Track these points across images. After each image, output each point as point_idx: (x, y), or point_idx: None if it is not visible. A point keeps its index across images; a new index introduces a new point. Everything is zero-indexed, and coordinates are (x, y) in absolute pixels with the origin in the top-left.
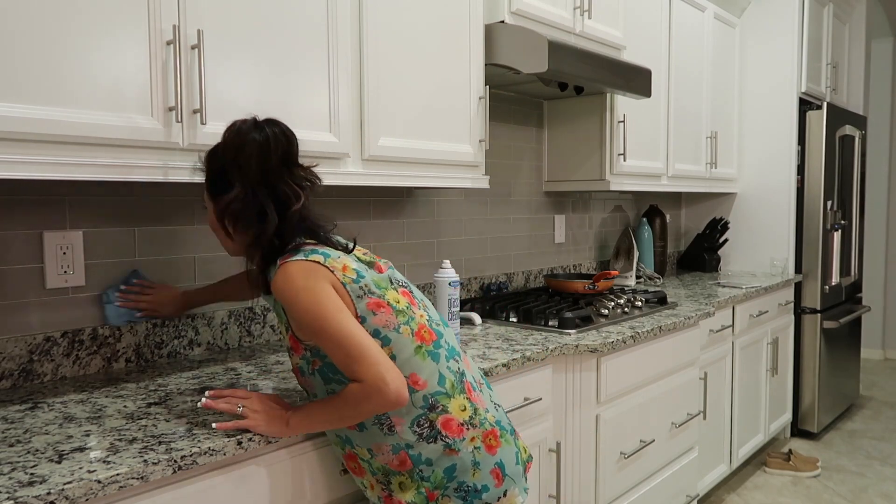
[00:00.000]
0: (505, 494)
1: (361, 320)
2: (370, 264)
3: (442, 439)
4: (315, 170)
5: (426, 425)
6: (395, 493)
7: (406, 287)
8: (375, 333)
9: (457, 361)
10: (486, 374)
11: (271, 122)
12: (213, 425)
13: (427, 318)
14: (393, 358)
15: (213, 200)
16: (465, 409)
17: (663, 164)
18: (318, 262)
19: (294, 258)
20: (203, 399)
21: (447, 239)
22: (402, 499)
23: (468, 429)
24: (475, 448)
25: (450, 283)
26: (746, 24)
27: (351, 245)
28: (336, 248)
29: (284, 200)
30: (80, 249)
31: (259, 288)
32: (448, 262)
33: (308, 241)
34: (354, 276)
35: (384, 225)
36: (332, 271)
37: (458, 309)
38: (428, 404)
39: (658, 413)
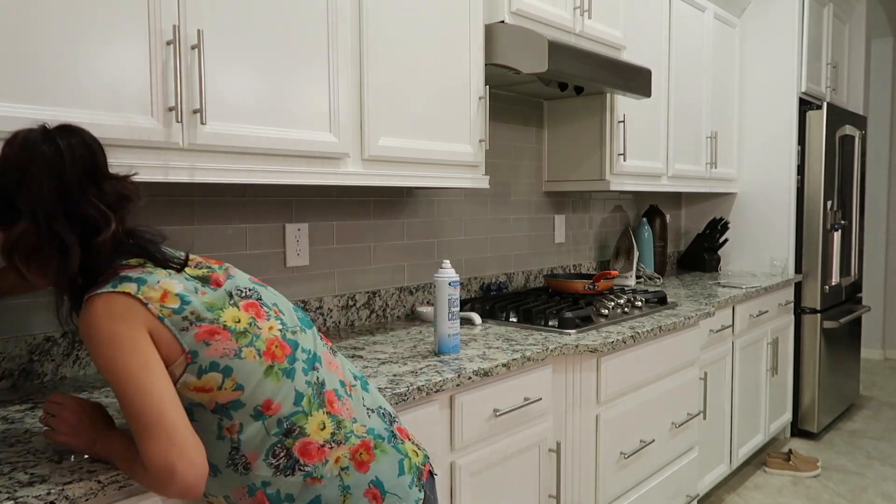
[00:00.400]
0: None
1: (193, 356)
2: (204, 279)
3: (301, 469)
4: (315, 170)
5: (282, 455)
6: None
7: (251, 297)
8: (213, 366)
9: (316, 370)
10: (486, 374)
11: (66, 130)
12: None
13: (280, 327)
14: (240, 387)
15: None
16: (324, 428)
17: (663, 164)
18: (130, 294)
19: (101, 290)
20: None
21: (447, 239)
22: None
23: (331, 447)
24: (342, 469)
25: (450, 283)
26: (746, 24)
27: (182, 258)
28: (164, 267)
29: (93, 227)
30: None
31: (74, 325)
32: (448, 262)
33: (127, 262)
34: (177, 306)
35: (384, 225)
36: (147, 304)
37: (458, 309)
38: (283, 429)
39: (658, 413)
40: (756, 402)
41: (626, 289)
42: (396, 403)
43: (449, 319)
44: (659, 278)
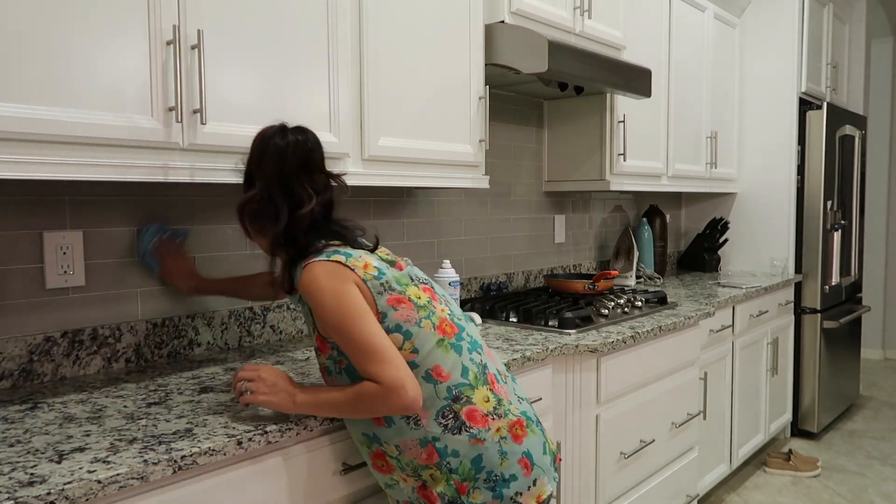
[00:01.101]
0: (535, 483)
1: (382, 316)
2: (391, 263)
3: (467, 430)
4: None
5: (451, 416)
6: (429, 484)
7: (427, 283)
8: (397, 328)
9: (479, 354)
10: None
11: (298, 130)
12: (239, 400)
13: (449, 312)
14: (416, 351)
15: (239, 200)
16: (488, 400)
17: (663, 164)
18: (340, 262)
19: (317, 259)
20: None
21: (447, 239)
22: (434, 490)
23: (493, 419)
24: (501, 438)
25: (450, 283)
26: (746, 24)
27: (373, 246)
28: (359, 249)
29: (297, 202)
30: (80, 249)
31: (283, 287)
32: (448, 262)
33: (332, 242)
34: (376, 273)
35: (384, 225)
36: (354, 270)
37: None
38: (452, 395)
39: (658, 413)
40: (756, 402)
41: (626, 289)
42: None
43: None
44: (659, 278)
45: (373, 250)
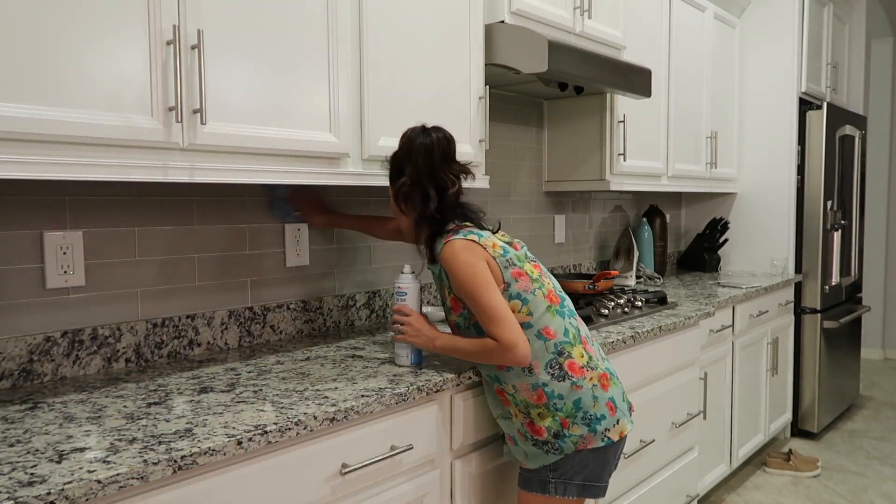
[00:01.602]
0: (618, 422)
1: (507, 285)
2: (509, 243)
3: (568, 378)
4: (315, 170)
5: (556, 367)
6: (536, 421)
7: (536, 261)
8: (518, 296)
9: (574, 319)
10: None
11: (436, 129)
12: (392, 337)
13: (552, 285)
14: (531, 314)
15: (392, 187)
16: (583, 356)
17: (663, 164)
18: (475, 241)
19: (456, 237)
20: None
21: None
22: (541, 425)
23: (587, 371)
24: (593, 385)
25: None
26: (746, 24)
27: (496, 229)
28: (486, 230)
29: (443, 187)
30: (80, 249)
31: (426, 258)
32: (408, 266)
33: (465, 224)
34: (501, 252)
35: None
36: (486, 248)
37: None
38: (557, 350)
39: (658, 413)
40: (756, 402)
41: (626, 289)
42: (396, 403)
43: None
44: (659, 278)
45: (494, 232)
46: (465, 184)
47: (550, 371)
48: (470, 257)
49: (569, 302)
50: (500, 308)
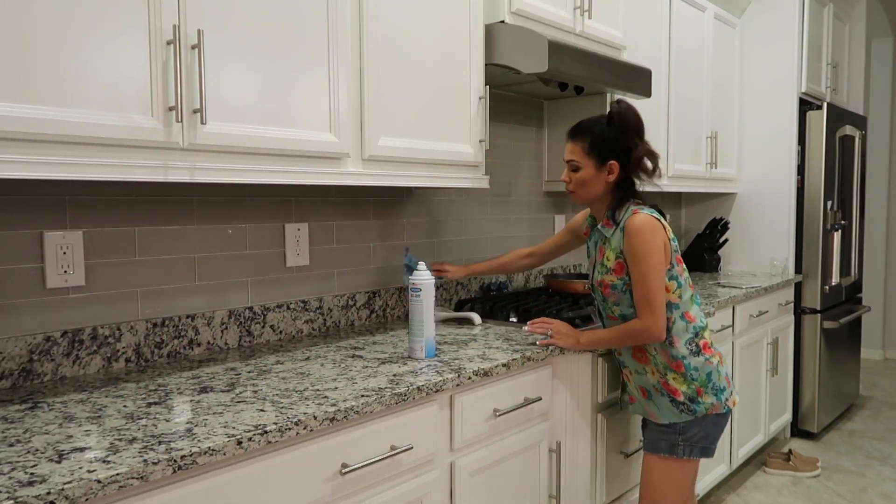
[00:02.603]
0: (732, 393)
1: (671, 266)
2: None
3: (702, 355)
4: (315, 170)
5: (693, 345)
6: (671, 383)
7: (679, 254)
8: (675, 278)
9: (702, 308)
10: (486, 374)
11: (625, 104)
12: (538, 342)
13: (687, 276)
14: (680, 297)
15: (596, 159)
16: (709, 337)
17: (663, 164)
18: (659, 222)
19: (643, 211)
20: (525, 327)
21: (447, 239)
22: (677, 388)
23: (713, 350)
24: (717, 362)
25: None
26: (746, 24)
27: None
28: (660, 215)
29: (637, 160)
30: (80, 249)
31: (604, 218)
32: (423, 264)
33: (641, 202)
34: (672, 237)
35: (384, 225)
36: (665, 231)
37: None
38: (694, 332)
39: None
40: (756, 402)
41: None
42: (396, 403)
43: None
44: None
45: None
46: (468, 183)
47: (689, 347)
48: (654, 238)
49: (697, 294)
50: (658, 294)
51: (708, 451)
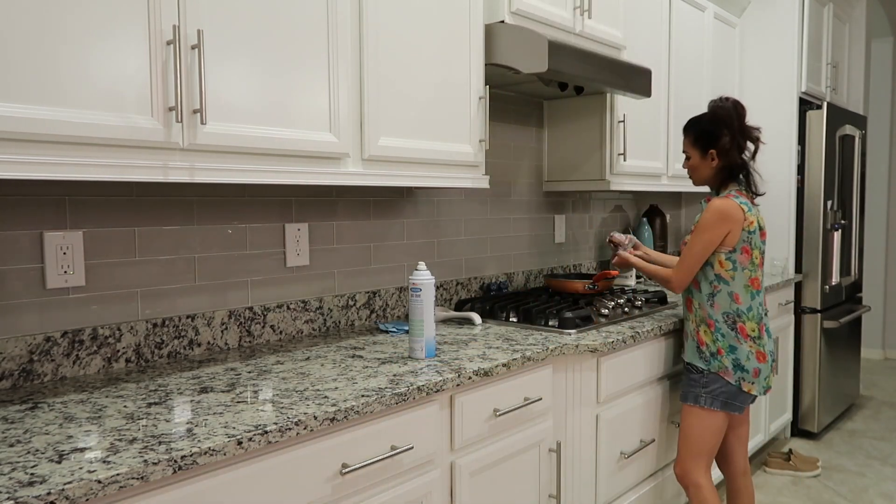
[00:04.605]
0: (752, 383)
1: (733, 250)
2: (760, 230)
3: (736, 333)
4: (315, 170)
5: (731, 320)
6: (701, 334)
7: (763, 257)
8: (733, 261)
9: (763, 310)
10: (486, 374)
11: (729, 99)
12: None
13: (760, 278)
14: (732, 279)
15: (699, 149)
16: (754, 331)
17: (663, 164)
18: (742, 210)
19: (733, 199)
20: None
21: (447, 239)
22: (704, 339)
23: (751, 342)
24: (750, 352)
25: (434, 285)
26: (746, 24)
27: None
28: (755, 208)
29: (726, 150)
30: (80, 249)
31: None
32: (423, 263)
33: (741, 190)
34: (751, 230)
35: (384, 225)
36: (744, 219)
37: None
38: (737, 312)
39: (658, 413)
40: (756, 401)
41: (626, 289)
42: (397, 403)
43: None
44: None
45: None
46: (468, 183)
47: (725, 319)
48: (716, 220)
49: (763, 300)
50: (693, 260)
51: (730, 406)
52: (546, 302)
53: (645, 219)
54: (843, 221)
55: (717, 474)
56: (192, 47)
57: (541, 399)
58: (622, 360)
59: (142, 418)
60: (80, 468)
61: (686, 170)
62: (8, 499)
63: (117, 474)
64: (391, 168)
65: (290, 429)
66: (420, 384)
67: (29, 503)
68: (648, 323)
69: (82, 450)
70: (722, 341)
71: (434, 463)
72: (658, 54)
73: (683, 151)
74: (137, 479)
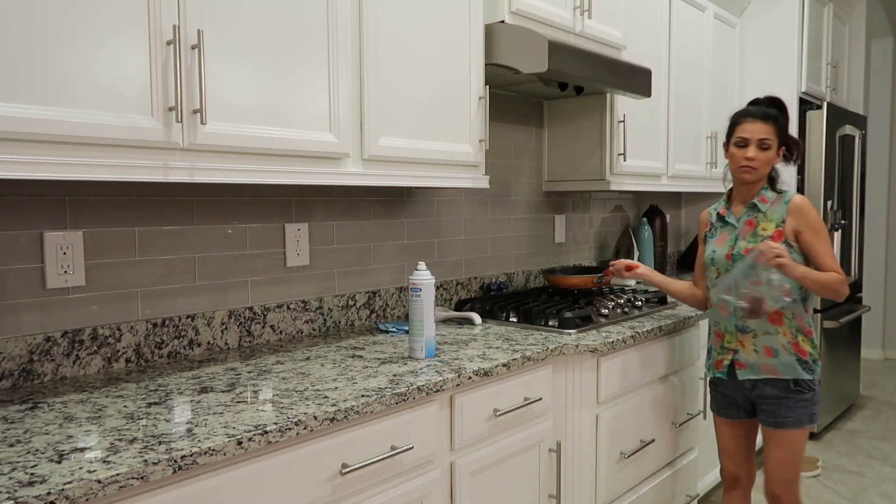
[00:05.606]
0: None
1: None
2: None
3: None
4: (315, 170)
5: (812, 322)
6: (801, 344)
7: None
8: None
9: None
10: (486, 374)
11: (776, 100)
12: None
13: None
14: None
15: (778, 142)
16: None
17: (663, 164)
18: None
19: (797, 193)
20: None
21: (447, 239)
22: (805, 349)
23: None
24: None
25: (434, 285)
26: (746, 24)
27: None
28: None
29: (789, 149)
30: (80, 249)
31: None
32: (423, 263)
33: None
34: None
35: (384, 225)
36: None
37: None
38: (812, 315)
39: (658, 413)
40: None
41: (626, 289)
42: (396, 403)
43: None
44: None
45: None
46: (468, 183)
47: (811, 322)
48: (815, 210)
49: None
50: (832, 252)
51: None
52: (546, 302)
53: (645, 219)
54: (843, 221)
55: (716, 476)
56: (192, 47)
57: (541, 399)
58: (622, 360)
59: (142, 418)
60: (80, 468)
61: (748, 159)
62: (8, 499)
63: (117, 474)
64: (391, 168)
65: (289, 429)
66: (420, 384)
67: (29, 503)
68: (648, 323)
69: (82, 450)
70: (816, 346)
71: (434, 463)
72: (658, 54)
73: (762, 139)
74: (137, 478)
